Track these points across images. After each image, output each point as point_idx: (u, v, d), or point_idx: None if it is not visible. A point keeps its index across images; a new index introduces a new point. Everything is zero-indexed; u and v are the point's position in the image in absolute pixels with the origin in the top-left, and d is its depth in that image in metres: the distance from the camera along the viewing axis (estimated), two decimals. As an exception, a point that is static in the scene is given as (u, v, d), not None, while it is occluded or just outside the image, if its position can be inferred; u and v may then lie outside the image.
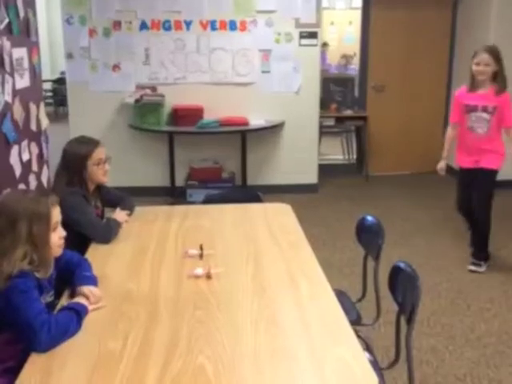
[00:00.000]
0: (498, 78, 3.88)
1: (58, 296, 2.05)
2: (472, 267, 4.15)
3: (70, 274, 2.09)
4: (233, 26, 5.77)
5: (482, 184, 4.06)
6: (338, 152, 7.74)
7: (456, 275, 4.10)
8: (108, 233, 2.65)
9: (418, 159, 6.97)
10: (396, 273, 2.18)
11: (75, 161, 2.71)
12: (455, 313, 3.54)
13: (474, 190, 4.10)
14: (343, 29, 10.13)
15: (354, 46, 8.64)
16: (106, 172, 2.80)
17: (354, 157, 7.52)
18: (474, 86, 3.97)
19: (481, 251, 4.19)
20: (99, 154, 2.75)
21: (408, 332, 2.06)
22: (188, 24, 5.74)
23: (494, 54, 3.87)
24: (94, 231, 2.63)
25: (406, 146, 6.96)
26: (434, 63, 6.81)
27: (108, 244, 2.60)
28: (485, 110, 3.92)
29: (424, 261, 4.29)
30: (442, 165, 4.29)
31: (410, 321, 2.05)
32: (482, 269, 4.15)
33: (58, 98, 10.91)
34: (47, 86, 10.35)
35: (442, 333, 3.29)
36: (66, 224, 2.05)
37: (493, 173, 4.04)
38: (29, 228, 1.83)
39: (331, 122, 6.62)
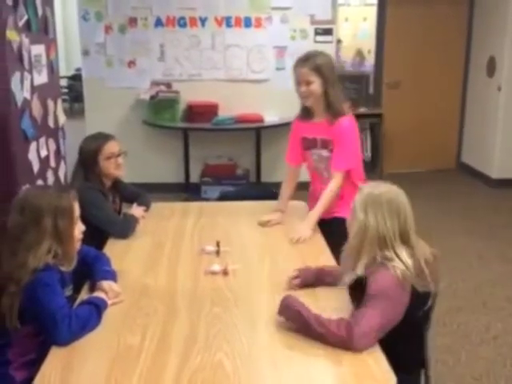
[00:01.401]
0: (329, 101, 2.70)
1: (75, 290, 2.08)
2: None
3: (87, 269, 2.11)
4: (248, 22, 5.77)
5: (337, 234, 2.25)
6: (352, 149, 7.71)
7: (471, 274, 4.07)
8: (126, 228, 2.67)
9: (433, 156, 6.94)
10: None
11: (88, 156, 2.75)
12: (471, 312, 3.52)
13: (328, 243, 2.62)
14: (357, 25, 10.09)
15: (368, 43, 8.60)
16: (119, 166, 2.80)
17: (369, 154, 7.49)
18: (307, 112, 2.83)
19: None
20: (110, 148, 2.77)
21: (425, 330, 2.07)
22: (203, 21, 5.75)
23: (317, 66, 2.66)
24: (113, 226, 2.66)
25: (422, 143, 6.92)
26: (449, 60, 6.77)
27: (125, 239, 2.62)
28: (325, 145, 2.79)
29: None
30: (273, 216, 2.88)
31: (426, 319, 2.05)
32: None
33: (73, 94, 10.97)
34: (63, 82, 10.41)
35: (458, 332, 3.28)
36: (83, 219, 2.07)
37: None
38: (54, 223, 1.85)
39: (346, 120, 6.59)
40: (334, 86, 2.70)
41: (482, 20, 6.47)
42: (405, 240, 1.85)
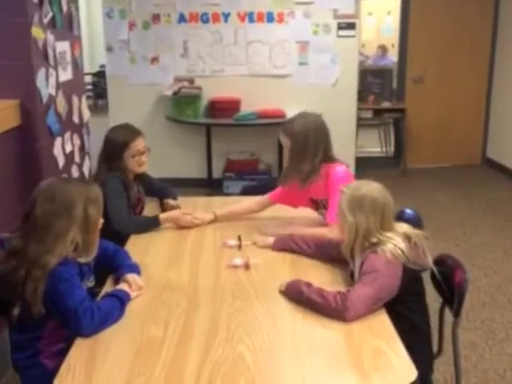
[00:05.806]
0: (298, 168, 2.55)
1: (98, 283, 2.10)
2: None
3: (109, 262, 2.14)
4: (270, 17, 5.76)
5: None
6: (375, 145, 7.67)
7: (495, 269, 4.03)
8: (129, 226, 2.62)
9: (457, 152, 6.86)
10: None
11: (114, 149, 2.75)
12: (495, 307, 3.48)
13: None
14: (381, 19, 10.02)
15: (392, 37, 8.54)
16: (142, 163, 2.81)
17: (392, 149, 7.44)
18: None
19: None
20: (137, 145, 2.77)
21: (455, 325, 2.07)
22: (226, 16, 5.76)
23: (290, 132, 2.52)
24: (116, 217, 2.55)
25: (445, 138, 6.85)
26: (474, 54, 6.67)
27: (147, 234, 2.63)
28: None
29: (462, 254, 4.22)
30: (202, 215, 2.79)
31: (457, 314, 2.05)
32: None
33: (97, 90, 11.08)
34: (87, 78, 10.50)
35: (482, 328, 3.25)
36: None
37: None
38: (84, 211, 1.87)
39: (369, 115, 6.56)
40: (307, 153, 2.48)
41: (509, 12, 6.37)
42: (387, 226, 2.02)
